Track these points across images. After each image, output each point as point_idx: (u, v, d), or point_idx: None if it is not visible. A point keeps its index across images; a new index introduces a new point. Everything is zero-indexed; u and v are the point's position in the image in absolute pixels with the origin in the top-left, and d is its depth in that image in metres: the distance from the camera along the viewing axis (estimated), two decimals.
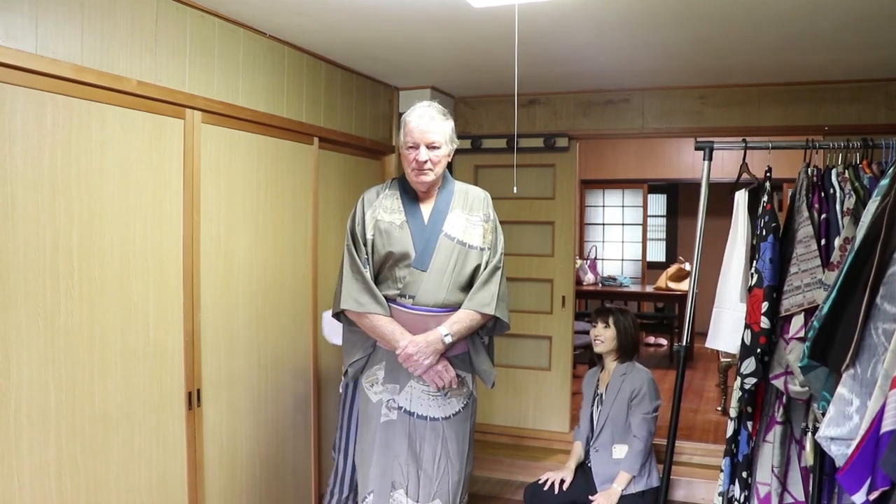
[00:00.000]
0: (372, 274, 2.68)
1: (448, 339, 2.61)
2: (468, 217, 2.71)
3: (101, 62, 2.52)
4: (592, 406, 3.60)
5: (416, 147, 2.60)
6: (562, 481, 3.45)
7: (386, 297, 2.67)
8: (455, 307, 2.65)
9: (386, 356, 2.72)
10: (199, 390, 3.00)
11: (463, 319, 2.64)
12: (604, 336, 3.55)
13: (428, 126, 2.60)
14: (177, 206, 2.89)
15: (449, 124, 2.66)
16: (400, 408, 2.70)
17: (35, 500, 2.34)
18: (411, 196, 2.73)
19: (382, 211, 2.70)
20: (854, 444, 1.78)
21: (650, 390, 3.45)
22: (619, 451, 3.40)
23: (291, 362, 3.65)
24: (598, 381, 3.65)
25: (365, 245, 2.69)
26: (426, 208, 2.71)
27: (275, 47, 3.45)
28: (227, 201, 3.17)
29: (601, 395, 3.57)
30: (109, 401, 2.61)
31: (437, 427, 2.69)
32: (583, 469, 3.55)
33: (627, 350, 3.57)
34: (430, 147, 2.60)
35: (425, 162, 2.60)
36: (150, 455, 2.78)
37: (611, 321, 3.56)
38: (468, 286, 2.67)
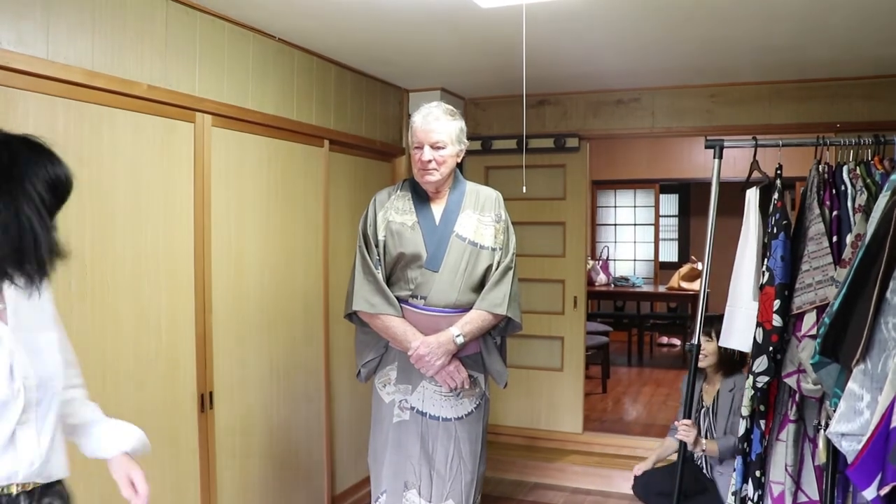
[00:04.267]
0: (384, 275, 2.69)
1: (460, 340, 2.61)
2: (480, 217, 2.71)
3: (111, 67, 2.54)
4: (698, 416, 3.47)
5: (420, 147, 2.62)
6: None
7: (398, 297, 2.68)
8: (467, 307, 2.65)
9: (398, 357, 2.73)
10: (211, 393, 3.02)
11: (475, 320, 2.65)
12: (706, 350, 3.39)
13: (432, 126, 2.61)
14: (187, 209, 2.91)
15: (456, 124, 2.66)
16: (412, 408, 2.70)
17: None
18: (422, 197, 2.73)
19: (394, 212, 2.71)
20: (864, 439, 1.76)
21: None
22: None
23: (303, 364, 3.66)
24: (702, 391, 3.52)
25: (377, 246, 2.69)
26: (437, 209, 2.72)
27: (284, 50, 3.47)
28: (237, 204, 3.19)
29: (708, 407, 3.45)
30: (121, 403, 2.62)
31: (450, 427, 2.69)
32: (689, 464, 3.35)
33: (731, 363, 3.41)
34: (435, 147, 2.61)
35: (429, 161, 2.61)
36: (163, 457, 2.80)
37: (713, 335, 3.39)
38: (480, 286, 2.67)
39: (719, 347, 3.34)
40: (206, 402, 2.98)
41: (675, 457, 3.42)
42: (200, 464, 2.97)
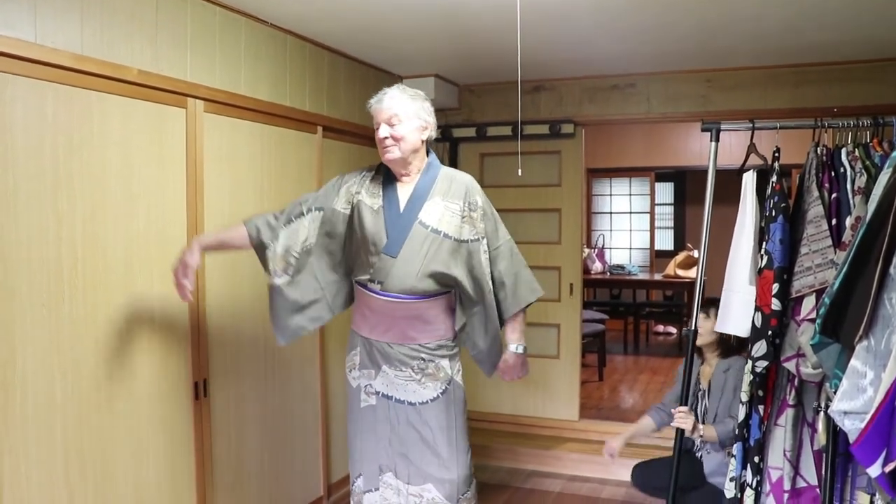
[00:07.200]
0: (311, 236, 2.69)
1: (520, 350, 2.80)
2: (447, 205, 2.63)
3: (101, 51, 2.51)
4: (695, 400, 3.41)
5: (378, 127, 2.60)
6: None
7: (358, 281, 2.68)
8: (424, 295, 2.61)
9: (361, 342, 2.71)
10: (205, 380, 2.99)
11: (518, 322, 2.78)
12: (703, 328, 3.33)
13: (387, 104, 2.58)
14: (180, 195, 2.88)
15: (414, 101, 2.61)
16: (377, 392, 2.68)
17: (42, 492, 2.34)
18: (393, 181, 2.69)
19: (366, 194, 2.67)
20: (868, 416, 1.75)
21: None
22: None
23: (298, 351, 3.64)
24: (699, 374, 3.46)
25: (318, 210, 2.69)
26: (404, 194, 2.65)
27: (277, 36, 3.43)
28: (230, 190, 3.16)
29: (704, 390, 3.39)
30: (115, 391, 2.60)
31: (415, 412, 2.65)
32: (689, 456, 3.34)
33: (729, 345, 3.33)
34: (389, 123, 2.58)
35: (385, 138, 2.58)
36: (157, 446, 2.78)
37: (711, 313, 3.32)
38: (440, 276, 2.60)
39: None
40: (200, 390, 2.96)
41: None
42: (195, 452, 2.95)
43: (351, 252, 2.71)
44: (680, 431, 3.10)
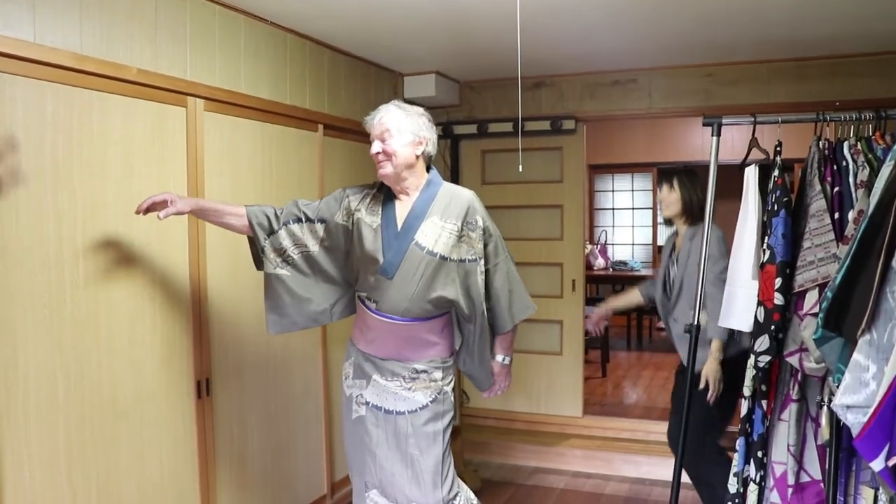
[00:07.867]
0: (306, 230, 2.68)
1: (507, 361, 2.83)
2: (444, 225, 2.57)
3: (100, 50, 2.51)
4: (667, 268, 3.47)
5: (372, 142, 2.57)
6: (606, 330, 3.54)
7: (358, 295, 2.69)
8: (419, 317, 2.58)
9: (355, 352, 2.71)
10: (207, 380, 2.99)
11: (509, 337, 2.81)
12: (668, 200, 3.41)
13: (380, 119, 2.56)
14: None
15: (410, 118, 2.57)
16: (367, 403, 2.66)
17: (45, 491, 2.34)
18: (392, 200, 2.65)
19: (365, 211, 2.63)
20: (870, 411, 1.74)
21: (719, 249, 3.22)
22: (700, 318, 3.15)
23: (301, 350, 3.64)
24: (674, 244, 3.52)
25: (322, 221, 2.66)
26: (402, 212, 2.61)
27: (276, 34, 3.43)
28: (231, 189, 3.15)
29: (675, 259, 3.44)
30: (118, 390, 2.60)
31: (404, 420, 2.62)
32: (683, 375, 3.31)
33: (696, 212, 3.36)
34: (381, 138, 2.54)
35: (378, 153, 2.54)
36: (160, 444, 2.78)
37: (675, 183, 3.39)
38: (436, 298, 2.57)
39: (682, 197, 3.40)
40: (202, 389, 2.96)
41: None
42: (198, 451, 2.95)
43: (353, 265, 2.70)
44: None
